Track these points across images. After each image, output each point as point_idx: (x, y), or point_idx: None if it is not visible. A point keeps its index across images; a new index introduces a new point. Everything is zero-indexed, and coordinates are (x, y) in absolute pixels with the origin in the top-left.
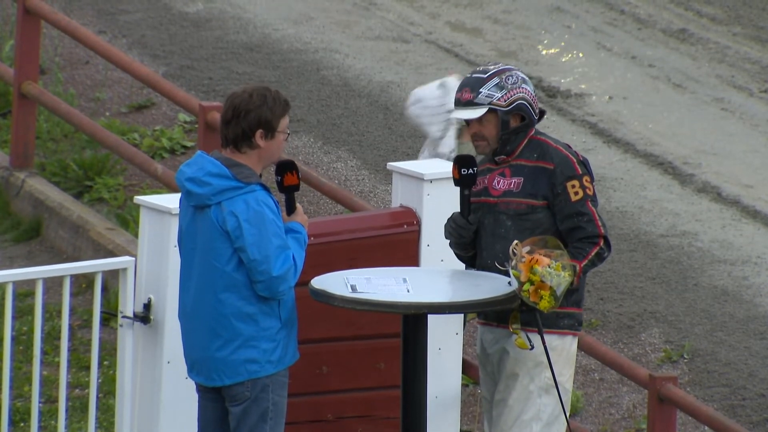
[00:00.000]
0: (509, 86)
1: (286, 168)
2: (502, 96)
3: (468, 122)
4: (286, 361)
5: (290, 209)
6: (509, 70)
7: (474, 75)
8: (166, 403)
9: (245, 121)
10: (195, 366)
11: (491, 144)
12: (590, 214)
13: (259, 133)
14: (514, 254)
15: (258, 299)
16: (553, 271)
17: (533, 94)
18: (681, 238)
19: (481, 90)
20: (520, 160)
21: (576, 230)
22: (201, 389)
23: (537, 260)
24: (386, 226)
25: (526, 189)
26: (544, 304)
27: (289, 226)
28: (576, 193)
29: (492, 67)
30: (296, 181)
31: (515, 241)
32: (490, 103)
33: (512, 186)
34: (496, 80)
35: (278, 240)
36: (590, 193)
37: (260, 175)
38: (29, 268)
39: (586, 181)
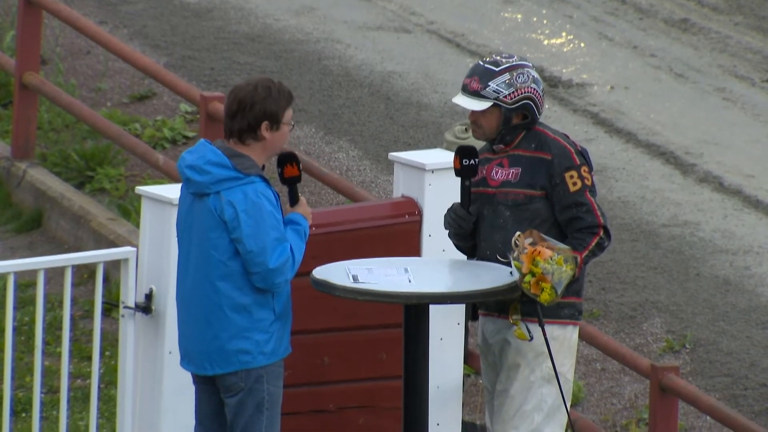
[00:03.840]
0: (518, 84)
1: (286, 160)
2: (510, 93)
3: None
4: (280, 353)
5: (293, 200)
6: (522, 66)
7: (486, 65)
8: (167, 394)
9: (251, 114)
10: (187, 354)
11: (487, 135)
12: (589, 205)
13: (264, 125)
14: (516, 245)
15: (253, 290)
16: (555, 264)
17: (541, 95)
18: (683, 228)
19: (489, 83)
20: (519, 150)
21: (575, 221)
22: (197, 380)
23: (539, 252)
24: (388, 217)
25: (525, 179)
26: (545, 297)
27: (289, 218)
28: (574, 184)
29: (505, 60)
30: (297, 173)
31: (518, 233)
32: (496, 99)
33: (510, 176)
34: (506, 76)
35: (275, 232)
36: (588, 183)
37: (263, 167)
38: (30, 258)
39: (585, 171)
